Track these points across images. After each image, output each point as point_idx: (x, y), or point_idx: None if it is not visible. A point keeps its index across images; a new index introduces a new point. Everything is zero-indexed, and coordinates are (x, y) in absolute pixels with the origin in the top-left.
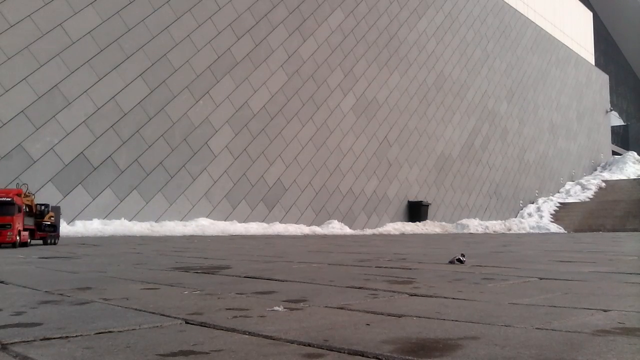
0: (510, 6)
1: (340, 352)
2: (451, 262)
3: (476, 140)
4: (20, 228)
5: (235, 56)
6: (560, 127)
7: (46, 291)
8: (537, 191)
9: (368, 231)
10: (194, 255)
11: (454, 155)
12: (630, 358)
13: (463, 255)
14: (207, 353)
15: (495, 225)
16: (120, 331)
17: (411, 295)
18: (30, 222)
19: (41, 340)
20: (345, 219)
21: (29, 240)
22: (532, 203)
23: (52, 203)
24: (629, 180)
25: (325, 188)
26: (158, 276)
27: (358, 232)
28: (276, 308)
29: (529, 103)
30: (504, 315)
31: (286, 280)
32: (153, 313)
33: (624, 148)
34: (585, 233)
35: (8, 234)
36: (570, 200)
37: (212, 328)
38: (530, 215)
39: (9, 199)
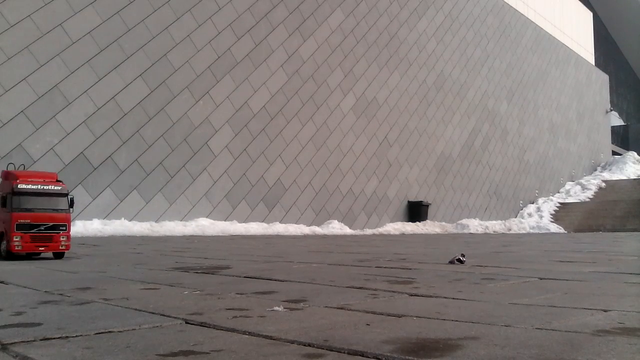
0: (510, 6)
1: (340, 352)
2: (451, 262)
3: (476, 141)
4: None
5: (235, 56)
6: (560, 127)
7: (46, 291)
8: (537, 191)
9: (368, 231)
10: (194, 255)
11: (454, 155)
12: (630, 358)
13: (463, 256)
14: (207, 353)
15: (495, 226)
16: (120, 331)
17: (411, 295)
18: None
19: (41, 340)
20: (345, 219)
21: None
22: (532, 203)
23: None
24: (629, 180)
25: (325, 188)
26: (158, 276)
27: (358, 232)
28: (276, 308)
29: (529, 103)
30: (504, 315)
31: (286, 280)
32: (153, 313)
33: (624, 148)
34: (585, 233)
35: (62, 239)
36: (570, 200)
37: (212, 328)
38: (530, 215)
39: (59, 188)
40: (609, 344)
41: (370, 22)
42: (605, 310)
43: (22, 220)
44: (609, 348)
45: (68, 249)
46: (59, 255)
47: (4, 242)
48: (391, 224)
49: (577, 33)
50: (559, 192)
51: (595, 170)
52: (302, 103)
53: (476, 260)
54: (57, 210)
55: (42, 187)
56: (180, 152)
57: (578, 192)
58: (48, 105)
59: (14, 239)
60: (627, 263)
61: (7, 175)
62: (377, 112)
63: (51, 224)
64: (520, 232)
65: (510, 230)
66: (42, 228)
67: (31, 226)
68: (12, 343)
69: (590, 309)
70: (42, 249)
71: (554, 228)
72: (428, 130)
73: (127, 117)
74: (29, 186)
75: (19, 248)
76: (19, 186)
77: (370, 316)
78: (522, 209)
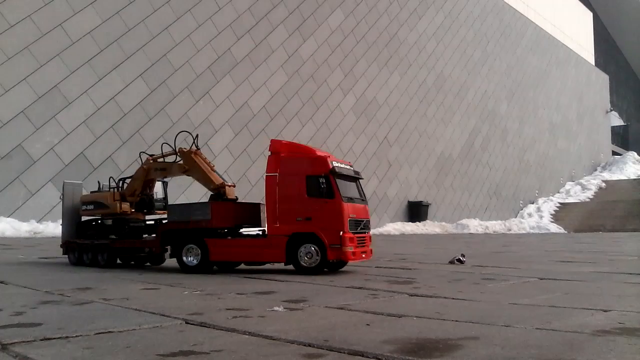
0: (510, 6)
1: (340, 352)
2: (451, 262)
3: (476, 141)
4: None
5: (235, 56)
6: (560, 127)
7: (46, 291)
8: (537, 191)
9: None
10: None
11: (454, 155)
12: (630, 358)
13: (463, 256)
14: (207, 353)
15: (495, 226)
16: (120, 331)
17: (411, 295)
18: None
19: (41, 340)
20: None
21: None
22: (532, 203)
23: (52, 204)
24: (629, 181)
25: None
26: (158, 276)
27: None
28: (276, 308)
29: (529, 103)
30: (504, 315)
31: (286, 280)
32: (153, 313)
33: (624, 148)
34: (585, 233)
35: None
36: (570, 200)
37: (212, 328)
38: (530, 215)
39: (351, 167)
40: (609, 344)
41: (370, 22)
42: (605, 310)
43: (352, 216)
44: (609, 348)
45: (370, 256)
46: (335, 266)
47: (305, 248)
48: (391, 224)
49: (577, 33)
50: (559, 192)
51: (595, 170)
52: (302, 103)
53: (476, 260)
54: (364, 201)
55: (349, 167)
56: None
57: (578, 192)
58: (48, 105)
59: (348, 242)
60: (627, 263)
61: (296, 148)
62: (377, 112)
63: (365, 219)
64: (520, 232)
65: (510, 230)
66: (362, 226)
67: (356, 223)
68: (12, 343)
69: (590, 309)
70: (364, 255)
71: (554, 228)
72: (428, 131)
73: (127, 117)
74: (342, 165)
75: (353, 256)
76: (335, 165)
77: (370, 316)
78: (522, 209)
